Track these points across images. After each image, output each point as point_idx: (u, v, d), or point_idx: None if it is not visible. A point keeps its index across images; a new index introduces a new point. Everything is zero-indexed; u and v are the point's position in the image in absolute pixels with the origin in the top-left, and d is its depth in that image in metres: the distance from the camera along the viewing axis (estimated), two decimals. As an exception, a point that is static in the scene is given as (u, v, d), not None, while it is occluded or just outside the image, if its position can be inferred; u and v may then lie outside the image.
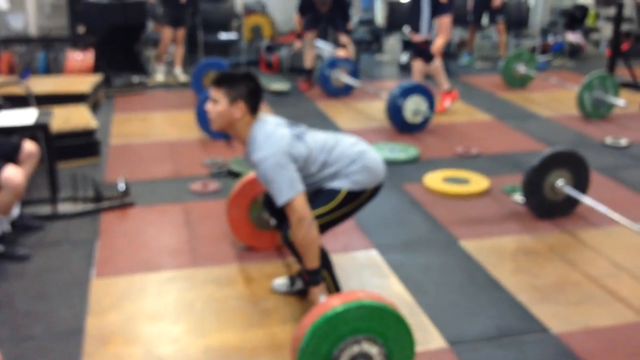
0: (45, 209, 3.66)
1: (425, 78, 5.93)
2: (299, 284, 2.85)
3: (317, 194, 2.56)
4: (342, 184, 2.53)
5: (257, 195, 3.14)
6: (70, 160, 4.39)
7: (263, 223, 3.20)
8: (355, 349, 2.08)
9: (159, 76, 7.13)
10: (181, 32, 7.11)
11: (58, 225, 3.54)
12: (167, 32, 6.95)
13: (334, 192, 2.53)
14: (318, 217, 2.49)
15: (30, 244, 3.31)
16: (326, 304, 2.10)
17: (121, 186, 3.82)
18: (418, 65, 5.87)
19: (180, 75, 7.16)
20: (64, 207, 3.69)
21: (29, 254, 3.18)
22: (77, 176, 3.91)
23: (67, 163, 4.34)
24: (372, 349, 2.10)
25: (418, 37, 5.73)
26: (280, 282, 2.90)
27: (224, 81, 2.44)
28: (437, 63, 5.80)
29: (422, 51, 5.78)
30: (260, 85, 2.51)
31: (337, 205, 2.53)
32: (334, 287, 2.61)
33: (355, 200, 2.56)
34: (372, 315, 2.09)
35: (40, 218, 3.57)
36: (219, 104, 2.43)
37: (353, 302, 2.07)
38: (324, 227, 2.55)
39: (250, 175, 3.15)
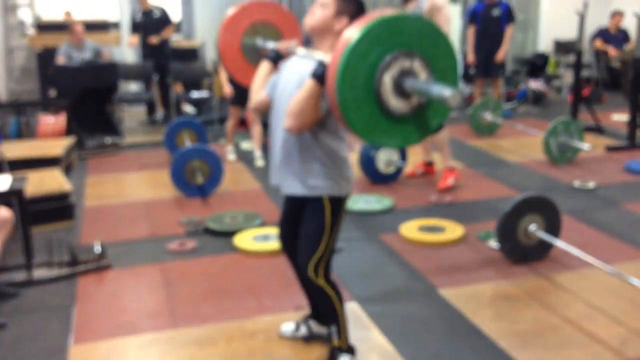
0: (20, 276, 3.61)
1: None
2: (303, 330, 2.89)
3: (305, 226, 2.54)
4: (323, 187, 2.46)
5: (254, 22, 3.03)
6: (44, 224, 4.35)
7: (254, 56, 3.05)
8: (406, 64, 1.98)
9: (231, 156, 6.35)
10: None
11: (34, 291, 3.49)
12: (233, 112, 6.31)
13: (320, 206, 2.47)
14: (324, 253, 2.50)
15: (6, 312, 3.25)
16: (383, 10, 2.02)
17: (97, 249, 3.79)
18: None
19: (259, 159, 6.13)
20: (39, 273, 3.64)
21: (4, 323, 3.12)
22: (52, 240, 3.88)
23: (42, 227, 4.30)
24: (422, 74, 2.00)
25: None
26: (288, 327, 2.96)
27: None
28: (446, 134, 5.22)
29: None
30: (365, 12, 2.48)
31: (330, 222, 2.49)
32: (346, 336, 2.62)
33: (340, 210, 2.52)
34: (427, 34, 2.00)
35: (15, 285, 3.51)
36: (326, 10, 2.42)
37: (410, 14, 2.01)
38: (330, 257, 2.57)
39: (249, 1, 3.06)
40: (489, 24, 7.74)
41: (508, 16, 7.66)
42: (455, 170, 5.29)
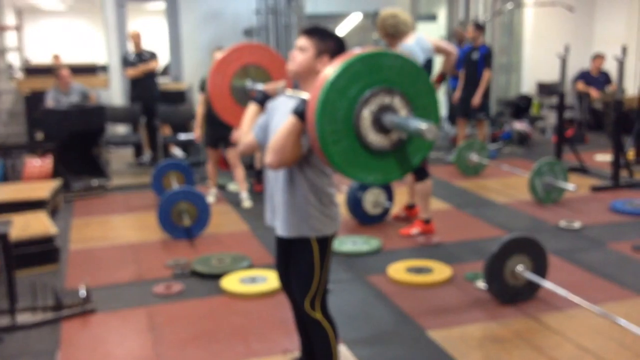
0: (3, 321, 3.55)
1: None
2: None
3: (295, 262, 2.56)
4: (309, 229, 2.48)
5: (244, 65, 3.07)
6: (29, 268, 4.30)
7: (244, 97, 3.07)
8: (386, 100, 1.96)
9: (210, 198, 6.16)
10: (232, 153, 6.10)
11: (17, 336, 3.43)
12: (210, 154, 6.24)
13: (308, 247, 2.49)
14: (318, 288, 2.52)
15: (-12, 358, 3.20)
16: (363, 48, 2.01)
17: (82, 293, 3.75)
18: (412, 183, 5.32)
19: (246, 200, 6.14)
20: (22, 318, 3.59)
21: (-14, 370, 3.07)
22: (36, 284, 3.83)
23: (26, 271, 4.25)
24: (402, 111, 1.98)
25: None
26: None
27: (316, 33, 2.45)
28: (428, 186, 5.00)
29: (419, 167, 4.74)
30: (346, 48, 2.48)
31: (319, 260, 2.51)
32: None
33: (327, 248, 2.54)
34: (408, 72, 1.99)
35: (-3, 330, 3.46)
36: (306, 52, 2.42)
37: (390, 51, 2.02)
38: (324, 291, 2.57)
39: (239, 44, 3.15)
40: (468, 67, 7.89)
41: (485, 60, 7.78)
42: (429, 224, 5.07)
